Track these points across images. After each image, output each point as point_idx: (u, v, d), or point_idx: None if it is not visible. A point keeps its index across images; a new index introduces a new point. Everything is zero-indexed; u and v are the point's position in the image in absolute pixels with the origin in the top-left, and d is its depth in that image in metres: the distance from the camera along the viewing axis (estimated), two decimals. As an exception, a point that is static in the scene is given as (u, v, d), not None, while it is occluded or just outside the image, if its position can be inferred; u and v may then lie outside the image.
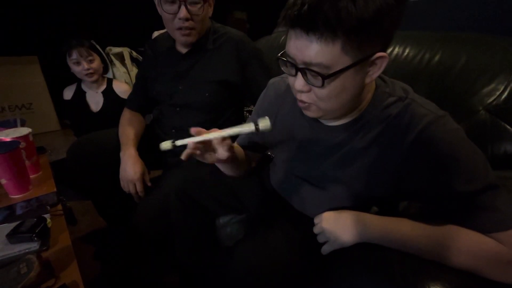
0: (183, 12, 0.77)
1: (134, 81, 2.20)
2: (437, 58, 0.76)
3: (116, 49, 2.11)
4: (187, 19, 0.79)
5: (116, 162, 0.95)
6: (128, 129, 0.96)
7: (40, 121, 2.33)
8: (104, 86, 1.40)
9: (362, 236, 0.49)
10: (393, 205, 0.61)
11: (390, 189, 0.50)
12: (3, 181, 0.75)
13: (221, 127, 0.81)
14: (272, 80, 0.70)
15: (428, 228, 0.46)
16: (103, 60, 1.37)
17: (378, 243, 0.48)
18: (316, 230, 0.55)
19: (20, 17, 2.27)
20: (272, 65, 1.18)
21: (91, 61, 1.28)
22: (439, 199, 0.45)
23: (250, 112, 1.14)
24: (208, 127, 0.87)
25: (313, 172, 0.59)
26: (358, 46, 0.39)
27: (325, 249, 0.53)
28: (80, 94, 1.39)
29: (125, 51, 2.15)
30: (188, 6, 0.77)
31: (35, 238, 0.58)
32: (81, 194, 1.14)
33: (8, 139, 0.80)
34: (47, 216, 0.65)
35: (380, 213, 0.54)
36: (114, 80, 1.45)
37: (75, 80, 1.39)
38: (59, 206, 0.73)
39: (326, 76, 0.40)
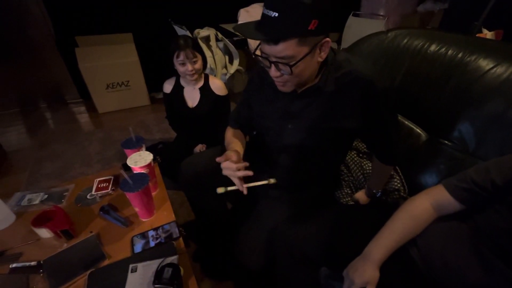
0: (272, 71, 0.69)
1: (218, 65, 2.20)
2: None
3: (204, 33, 2.07)
4: (277, 76, 0.70)
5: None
6: (234, 141, 0.93)
7: (135, 96, 2.57)
8: (201, 83, 1.40)
9: None
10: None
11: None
12: (136, 209, 0.85)
13: (328, 169, 0.94)
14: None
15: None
16: (203, 58, 1.35)
17: None
18: None
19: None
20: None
21: (195, 62, 1.28)
22: None
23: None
24: (315, 168, 0.90)
25: None
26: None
27: None
28: (178, 89, 1.43)
29: (212, 33, 2.10)
30: (279, 65, 0.66)
31: (175, 291, 0.65)
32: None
33: (137, 168, 0.88)
34: (175, 259, 0.72)
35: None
36: (210, 76, 1.44)
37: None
38: (182, 242, 0.80)
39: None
